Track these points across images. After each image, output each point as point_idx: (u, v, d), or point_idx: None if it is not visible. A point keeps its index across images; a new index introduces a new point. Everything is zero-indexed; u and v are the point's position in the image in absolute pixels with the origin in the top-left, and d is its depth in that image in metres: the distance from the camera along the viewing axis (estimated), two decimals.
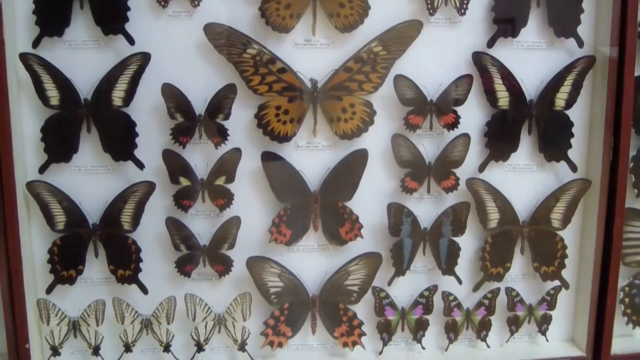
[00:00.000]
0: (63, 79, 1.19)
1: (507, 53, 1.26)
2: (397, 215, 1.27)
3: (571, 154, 1.31)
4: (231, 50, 1.19)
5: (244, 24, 1.19)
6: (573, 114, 1.30)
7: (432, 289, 1.32)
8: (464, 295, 1.34)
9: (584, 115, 1.31)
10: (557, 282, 1.36)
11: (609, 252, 1.32)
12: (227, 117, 1.21)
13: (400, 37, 1.21)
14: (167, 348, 1.30)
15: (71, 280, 1.26)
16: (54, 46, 1.19)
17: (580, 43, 1.27)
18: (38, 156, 1.23)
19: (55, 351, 1.29)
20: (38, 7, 1.16)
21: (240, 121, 1.23)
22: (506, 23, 1.25)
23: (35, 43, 1.18)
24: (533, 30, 1.26)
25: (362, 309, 1.32)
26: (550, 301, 1.36)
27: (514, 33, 1.25)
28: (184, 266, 1.26)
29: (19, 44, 1.18)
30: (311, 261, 1.30)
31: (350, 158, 1.25)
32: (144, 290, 1.27)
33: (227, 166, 1.23)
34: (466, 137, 1.26)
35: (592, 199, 1.32)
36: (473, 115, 1.28)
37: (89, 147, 1.23)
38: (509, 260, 1.33)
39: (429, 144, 1.27)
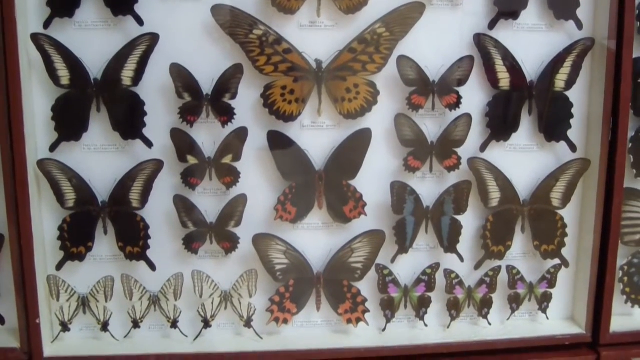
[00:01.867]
0: (73, 59, 1.24)
1: (507, 35, 1.32)
2: (400, 194, 1.32)
3: (571, 134, 1.37)
4: (238, 31, 1.25)
5: (250, 5, 1.25)
6: (572, 94, 1.35)
7: (435, 267, 1.38)
8: (466, 273, 1.40)
9: (583, 96, 1.36)
10: (557, 261, 1.41)
11: (608, 231, 1.37)
12: (233, 97, 1.27)
13: (403, 18, 1.27)
14: (174, 324, 1.36)
15: (81, 257, 1.32)
16: (64, 27, 1.24)
17: (579, 25, 1.33)
18: (48, 135, 1.28)
19: (65, 327, 1.35)
20: None
21: (246, 101, 1.28)
22: (507, 5, 1.30)
23: (47, 24, 1.23)
24: (533, 12, 1.32)
25: (366, 287, 1.38)
26: (550, 279, 1.41)
27: (514, 15, 1.31)
28: (192, 243, 1.32)
29: (31, 25, 1.23)
30: (316, 239, 1.36)
31: (354, 137, 1.31)
32: (152, 267, 1.33)
33: (233, 145, 1.29)
34: (468, 117, 1.32)
35: (592, 178, 1.37)
36: (474, 96, 1.33)
37: (99, 126, 1.28)
38: (510, 239, 1.39)
39: (431, 124, 1.33)
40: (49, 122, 1.27)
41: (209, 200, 1.32)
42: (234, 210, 1.31)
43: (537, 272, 1.43)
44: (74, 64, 1.24)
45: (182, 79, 1.25)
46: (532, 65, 1.33)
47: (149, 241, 1.32)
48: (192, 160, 1.28)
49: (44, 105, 1.27)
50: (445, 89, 1.31)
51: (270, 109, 1.28)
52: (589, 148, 1.38)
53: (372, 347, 1.37)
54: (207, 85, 1.26)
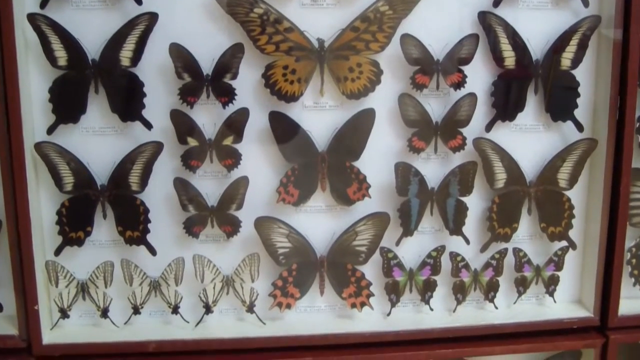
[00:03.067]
0: (71, 40, 1.24)
1: (512, 13, 1.32)
2: (405, 175, 1.32)
3: (577, 113, 1.37)
4: (238, 10, 1.24)
5: None
6: (579, 73, 1.35)
7: (440, 250, 1.37)
8: (472, 256, 1.40)
9: (590, 74, 1.36)
10: (564, 243, 1.41)
11: (616, 212, 1.38)
12: (234, 77, 1.26)
13: None
14: (175, 310, 1.35)
15: (79, 242, 1.31)
16: (61, 7, 1.23)
17: (585, 3, 1.33)
18: (46, 117, 1.27)
19: (64, 313, 1.34)
20: None
21: (247, 81, 1.28)
22: None
23: (43, 3, 1.23)
24: None
25: (370, 271, 1.38)
26: (557, 262, 1.41)
27: None
28: (192, 227, 1.32)
29: (27, 5, 1.22)
30: (319, 222, 1.36)
31: (358, 118, 1.30)
32: (153, 251, 1.33)
33: (234, 126, 1.28)
34: (472, 96, 1.32)
35: (599, 158, 1.37)
36: (479, 75, 1.33)
37: (97, 108, 1.28)
38: (516, 221, 1.39)
39: (435, 104, 1.33)
40: (46, 104, 1.26)
41: (209, 183, 1.32)
42: (235, 193, 1.31)
43: (544, 254, 1.42)
44: (71, 44, 1.24)
45: (182, 59, 1.25)
46: (537, 44, 1.33)
47: (149, 225, 1.32)
48: (192, 142, 1.28)
49: (41, 87, 1.26)
50: (449, 68, 1.31)
51: (272, 89, 1.27)
52: (596, 127, 1.38)
53: (376, 331, 1.37)
54: (207, 65, 1.26)
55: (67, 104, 1.27)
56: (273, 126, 1.29)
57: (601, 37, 1.35)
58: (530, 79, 1.34)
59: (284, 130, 1.30)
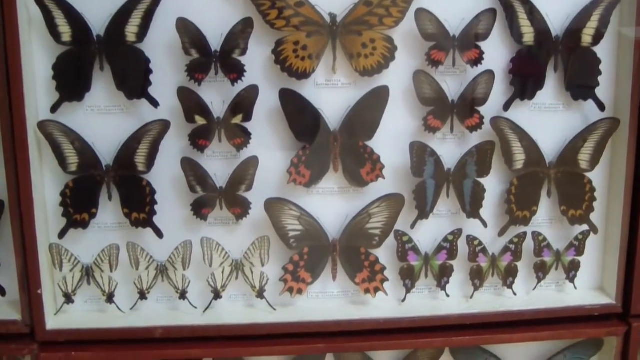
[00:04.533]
0: (75, 14, 1.22)
1: None
2: (420, 155, 1.30)
3: (599, 92, 1.34)
4: None
5: None
6: (600, 50, 1.32)
7: (457, 233, 1.35)
8: (489, 240, 1.38)
9: (611, 51, 1.34)
10: (585, 227, 1.39)
11: (639, 194, 1.34)
12: (243, 53, 1.24)
13: None
14: (183, 295, 1.33)
15: (84, 224, 1.29)
16: None
17: None
18: (50, 95, 1.26)
19: (68, 298, 1.33)
20: None
21: (257, 57, 1.26)
22: None
23: None
24: None
25: (384, 255, 1.36)
26: (578, 247, 1.39)
27: None
28: (201, 209, 1.30)
29: None
30: (331, 204, 1.34)
31: (371, 95, 1.28)
32: (159, 234, 1.31)
33: (244, 104, 1.26)
34: (490, 73, 1.30)
35: (621, 139, 1.35)
36: (497, 52, 1.31)
37: (102, 86, 1.26)
38: (536, 204, 1.36)
39: (451, 81, 1.31)
40: (49, 82, 1.25)
41: (218, 164, 1.30)
42: (244, 174, 1.29)
43: (564, 239, 1.40)
44: (75, 19, 1.22)
45: (190, 34, 1.23)
46: (557, 19, 1.30)
47: (156, 207, 1.30)
48: (200, 120, 1.26)
49: (44, 64, 1.25)
50: (466, 44, 1.28)
51: (282, 66, 1.25)
52: (618, 107, 1.35)
53: (391, 318, 1.35)
54: (215, 41, 1.24)
55: (71, 82, 1.25)
56: (283, 104, 1.27)
57: (623, 11, 1.32)
58: (550, 56, 1.32)
59: (295, 109, 1.28)
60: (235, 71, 1.25)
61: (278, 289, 1.35)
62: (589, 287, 1.44)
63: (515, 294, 1.40)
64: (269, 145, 1.30)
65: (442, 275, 1.37)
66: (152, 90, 1.26)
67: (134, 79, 1.26)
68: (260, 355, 1.37)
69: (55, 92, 1.25)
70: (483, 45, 1.29)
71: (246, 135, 1.28)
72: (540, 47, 1.31)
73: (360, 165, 1.31)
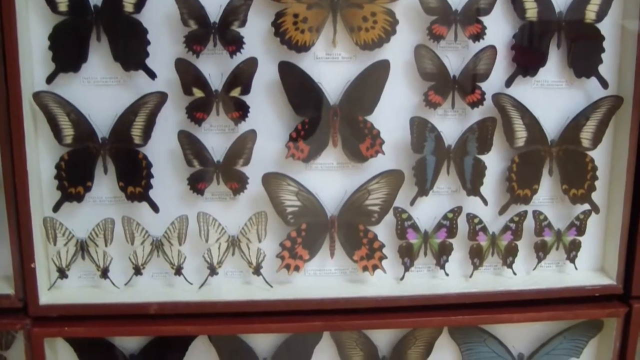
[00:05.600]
0: None
1: None
2: (420, 130, 1.30)
3: (602, 69, 1.34)
4: None
5: None
6: (604, 27, 1.32)
7: (457, 211, 1.35)
8: (490, 219, 1.38)
9: (615, 27, 1.34)
10: (586, 206, 1.39)
11: None
12: (242, 24, 1.24)
13: None
14: (178, 271, 1.33)
15: (79, 197, 1.29)
16: None
17: None
18: (45, 66, 1.25)
19: (62, 273, 1.33)
20: None
21: (256, 29, 1.26)
22: None
23: None
24: None
25: (383, 233, 1.36)
26: (579, 226, 1.39)
27: None
28: (197, 183, 1.30)
29: None
30: (330, 180, 1.34)
31: (371, 70, 1.28)
32: (155, 208, 1.31)
33: (242, 77, 1.26)
34: (492, 49, 1.30)
35: (624, 117, 1.35)
36: (499, 27, 1.31)
37: (99, 57, 1.26)
38: (537, 182, 1.36)
39: (453, 57, 1.31)
40: (45, 52, 1.24)
41: (215, 138, 1.30)
42: (242, 148, 1.29)
43: (565, 218, 1.40)
44: None
45: (188, 5, 1.23)
46: None
47: (152, 181, 1.29)
48: (197, 93, 1.26)
49: (40, 34, 1.24)
50: (468, 19, 1.29)
51: (282, 39, 1.25)
52: (621, 84, 1.35)
53: (389, 296, 1.35)
54: (214, 12, 1.24)
55: (67, 52, 1.25)
56: (283, 77, 1.27)
57: None
58: (553, 32, 1.32)
59: (294, 82, 1.28)
60: (233, 43, 1.25)
61: (275, 265, 1.35)
62: (590, 267, 1.45)
63: (515, 273, 1.40)
64: (268, 119, 1.30)
65: (442, 254, 1.37)
66: (149, 62, 1.26)
67: (131, 50, 1.26)
68: (256, 333, 1.37)
69: (51, 62, 1.25)
70: (485, 20, 1.29)
71: (244, 108, 1.28)
72: (543, 23, 1.31)
73: (360, 140, 1.31)
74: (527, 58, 1.33)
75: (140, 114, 1.27)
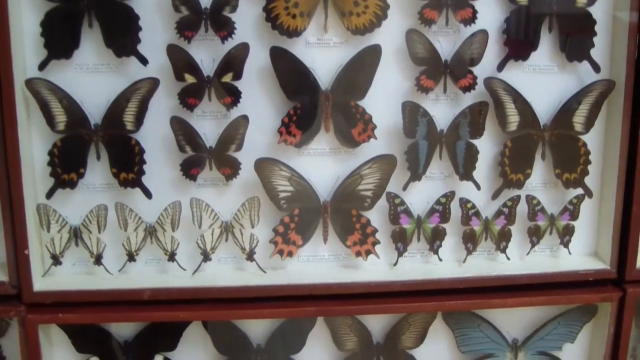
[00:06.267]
0: None
1: None
2: (412, 115, 1.31)
3: (594, 53, 1.36)
4: None
5: None
6: (595, 10, 1.34)
7: (450, 196, 1.37)
8: (483, 204, 1.40)
9: (607, 12, 1.35)
10: (579, 191, 1.41)
11: (634, 158, 1.36)
12: (234, 10, 1.26)
13: None
14: (172, 257, 1.35)
15: (72, 184, 1.31)
16: None
17: None
18: (38, 53, 1.27)
19: (56, 260, 1.34)
20: None
21: (247, 15, 1.28)
22: None
23: None
24: None
25: (376, 218, 1.37)
26: (572, 211, 1.40)
27: None
28: (190, 169, 1.31)
29: None
30: (322, 165, 1.35)
31: (363, 54, 1.30)
32: (148, 194, 1.32)
33: (234, 62, 1.28)
34: (484, 33, 1.31)
35: (617, 101, 1.36)
36: (491, 11, 1.32)
37: (91, 44, 1.28)
38: (530, 167, 1.38)
39: (445, 41, 1.32)
40: (38, 39, 1.26)
41: (208, 124, 1.32)
42: (234, 133, 1.30)
43: (558, 203, 1.42)
44: None
45: None
46: None
47: (145, 167, 1.31)
48: (189, 79, 1.28)
49: (32, 20, 1.26)
50: (459, 3, 1.30)
51: (273, 24, 1.27)
52: (613, 68, 1.37)
53: (382, 281, 1.36)
54: None
55: (59, 39, 1.27)
56: (274, 63, 1.29)
57: None
58: (544, 16, 1.33)
59: (286, 67, 1.29)
60: (225, 28, 1.27)
61: (268, 251, 1.37)
62: (583, 252, 1.46)
63: (508, 258, 1.42)
64: (260, 104, 1.32)
65: (435, 239, 1.39)
66: (141, 48, 1.28)
67: (123, 36, 1.27)
68: (250, 318, 1.39)
69: (44, 49, 1.26)
70: (476, 4, 1.31)
71: (236, 94, 1.30)
72: (534, 7, 1.33)
73: (352, 125, 1.32)
74: (519, 42, 1.34)
75: (132, 100, 1.29)
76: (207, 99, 1.30)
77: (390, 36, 1.31)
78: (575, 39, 1.35)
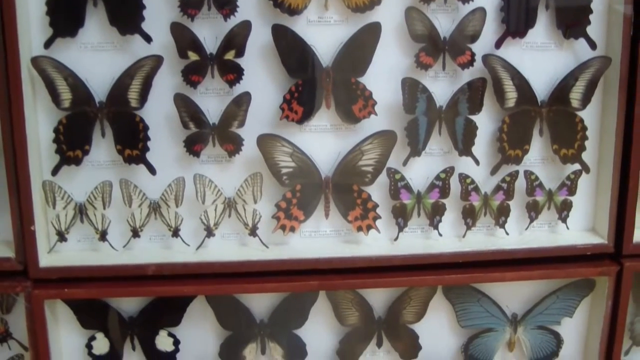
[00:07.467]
0: None
1: None
2: (412, 91, 1.36)
3: (590, 30, 1.40)
4: None
5: None
6: None
7: (449, 171, 1.41)
8: (482, 179, 1.44)
9: None
10: (577, 166, 1.45)
11: (631, 133, 1.41)
12: None
13: None
14: (175, 233, 1.39)
15: (77, 161, 1.36)
16: None
17: None
18: (43, 31, 1.31)
19: (61, 236, 1.38)
20: None
21: None
22: None
23: None
24: None
25: (377, 194, 1.42)
26: (570, 186, 1.45)
27: None
28: (193, 145, 1.36)
29: None
30: (324, 142, 1.40)
31: (363, 32, 1.34)
32: (152, 170, 1.37)
33: (236, 40, 1.33)
34: (482, 11, 1.36)
35: (613, 77, 1.41)
36: None
37: (96, 22, 1.32)
38: (528, 142, 1.43)
39: (444, 19, 1.37)
40: (43, 18, 1.30)
41: (211, 100, 1.36)
42: (237, 110, 1.35)
43: (556, 178, 1.46)
44: None
45: None
46: None
47: (149, 143, 1.35)
48: (193, 56, 1.32)
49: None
50: None
51: (275, 2, 1.32)
52: (609, 45, 1.41)
53: (383, 255, 1.40)
54: None
55: (64, 17, 1.31)
56: (276, 40, 1.33)
57: None
58: None
59: (288, 45, 1.34)
60: (228, 6, 1.31)
61: (271, 227, 1.41)
62: (581, 227, 1.51)
63: (507, 233, 1.47)
64: (262, 81, 1.36)
65: (435, 214, 1.43)
66: (145, 26, 1.32)
67: (127, 14, 1.32)
68: (253, 293, 1.43)
69: (49, 27, 1.31)
70: None
71: (239, 71, 1.34)
72: None
73: (353, 102, 1.37)
74: (516, 20, 1.38)
75: (136, 77, 1.33)
76: (210, 76, 1.34)
77: (390, 14, 1.36)
78: (572, 16, 1.39)
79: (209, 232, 1.40)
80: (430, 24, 1.36)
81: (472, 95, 1.39)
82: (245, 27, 1.32)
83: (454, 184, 1.43)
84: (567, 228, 1.49)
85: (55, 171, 1.36)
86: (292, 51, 1.35)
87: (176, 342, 1.46)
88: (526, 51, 1.41)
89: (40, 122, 1.35)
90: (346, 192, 1.40)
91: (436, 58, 1.37)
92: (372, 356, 1.52)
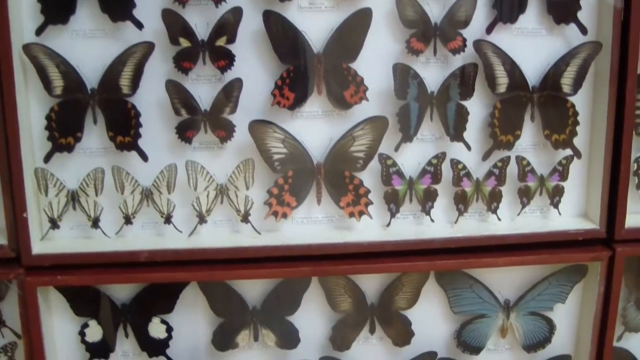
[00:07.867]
0: None
1: None
2: (403, 77, 1.37)
3: (581, 15, 1.41)
4: None
5: None
6: None
7: (441, 157, 1.43)
8: (473, 165, 1.45)
9: None
10: (568, 152, 1.46)
11: (622, 119, 1.42)
12: None
13: None
14: (168, 219, 1.41)
15: (69, 148, 1.37)
16: None
17: None
18: (34, 18, 1.32)
19: (54, 224, 1.40)
20: None
21: None
22: None
23: None
24: None
25: (369, 179, 1.43)
26: (562, 171, 1.46)
27: None
28: (185, 131, 1.37)
29: None
30: (315, 128, 1.41)
31: (354, 17, 1.35)
32: (144, 157, 1.38)
33: (227, 26, 1.34)
34: None
35: (604, 62, 1.42)
36: None
37: (87, 9, 1.33)
38: (519, 128, 1.44)
39: (434, 4, 1.38)
40: (34, 4, 1.32)
41: (203, 87, 1.37)
42: (228, 96, 1.36)
43: (548, 164, 1.48)
44: None
45: None
46: None
47: (141, 130, 1.36)
48: (184, 43, 1.33)
49: None
50: None
51: None
52: (600, 30, 1.43)
53: (375, 241, 1.42)
54: None
55: (56, 4, 1.32)
56: (267, 26, 1.34)
57: None
58: None
59: (279, 31, 1.35)
60: None
61: (263, 213, 1.43)
62: (573, 213, 1.52)
63: (499, 219, 1.48)
64: (253, 67, 1.38)
65: (427, 200, 1.45)
66: (136, 13, 1.33)
67: (118, 1, 1.33)
68: (245, 279, 1.44)
69: (40, 14, 1.32)
70: None
71: (230, 57, 1.35)
72: None
73: (344, 88, 1.38)
74: (507, 5, 1.40)
75: (128, 64, 1.34)
76: (202, 63, 1.35)
77: None
78: (563, 1, 1.40)
79: (201, 219, 1.41)
80: (421, 10, 1.37)
81: (463, 80, 1.40)
82: (236, 14, 1.34)
83: (446, 170, 1.44)
84: (559, 214, 1.50)
85: (47, 158, 1.38)
86: (283, 37, 1.36)
87: (169, 329, 1.47)
88: (517, 37, 1.42)
89: (32, 109, 1.36)
90: (338, 178, 1.42)
91: (427, 44, 1.39)
92: (364, 342, 1.53)
